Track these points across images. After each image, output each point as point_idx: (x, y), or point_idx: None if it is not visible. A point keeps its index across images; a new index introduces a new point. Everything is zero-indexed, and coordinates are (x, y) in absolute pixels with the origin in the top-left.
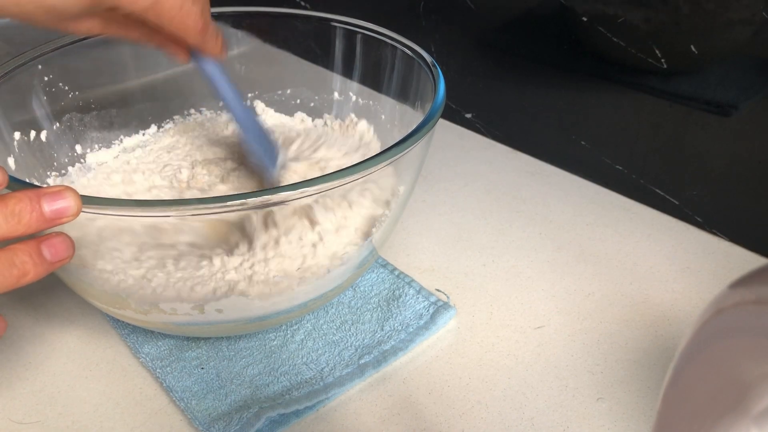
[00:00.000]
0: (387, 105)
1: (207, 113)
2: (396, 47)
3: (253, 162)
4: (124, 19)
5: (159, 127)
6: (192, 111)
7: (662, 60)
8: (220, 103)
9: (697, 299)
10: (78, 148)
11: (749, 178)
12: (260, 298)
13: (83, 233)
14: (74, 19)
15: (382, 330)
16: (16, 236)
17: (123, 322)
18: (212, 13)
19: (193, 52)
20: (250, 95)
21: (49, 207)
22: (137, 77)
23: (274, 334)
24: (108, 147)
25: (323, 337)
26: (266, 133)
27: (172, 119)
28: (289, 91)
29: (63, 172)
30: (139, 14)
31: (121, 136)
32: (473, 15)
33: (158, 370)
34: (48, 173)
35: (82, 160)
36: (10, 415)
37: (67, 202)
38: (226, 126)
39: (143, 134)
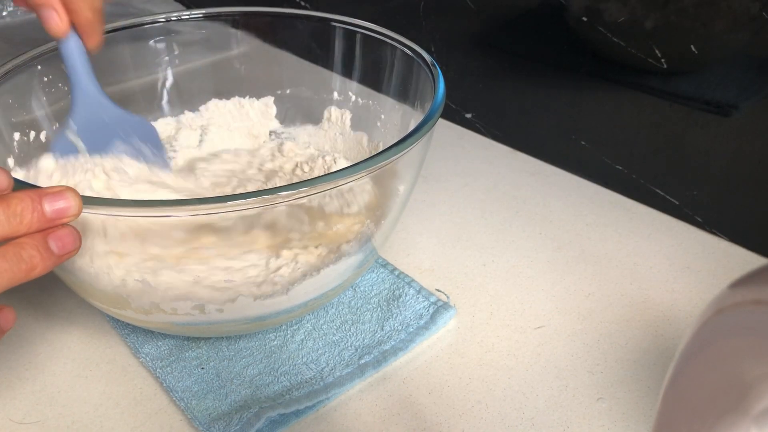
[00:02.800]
0: (387, 105)
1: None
2: (396, 47)
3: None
4: None
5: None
6: (188, 111)
7: (662, 60)
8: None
9: (697, 299)
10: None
11: (749, 178)
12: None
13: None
14: None
15: (382, 330)
16: (18, 236)
17: (123, 322)
18: (212, 13)
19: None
20: (250, 95)
21: (50, 207)
22: (137, 77)
23: (274, 334)
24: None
25: (323, 337)
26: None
27: (175, 119)
28: (288, 91)
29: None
30: None
31: None
32: (473, 15)
33: (158, 370)
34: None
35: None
36: (10, 415)
37: (68, 202)
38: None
39: None
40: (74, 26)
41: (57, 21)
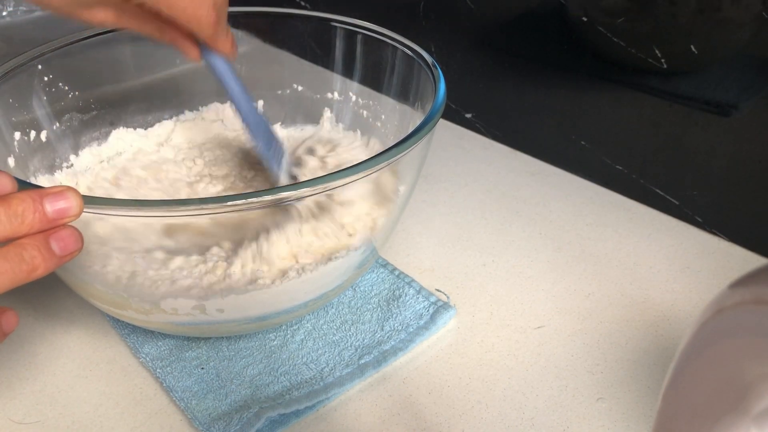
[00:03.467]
0: (387, 105)
1: (206, 113)
2: (396, 47)
3: (263, 162)
4: (137, 10)
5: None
6: (188, 111)
7: (662, 60)
8: (228, 103)
9: (697, 299)
10: (78, 148)
11: (749, 178)
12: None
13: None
14: (89, 7)
15: (382, 330)
16: (19, 236)
17: (123, 322)
18: None
19: (203, 49)
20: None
21: (51, 207)
22: (137, 77)
23: (274, 334)
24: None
25: (323, 337)
26: (273, 135)
27: (174, 118)
28: (288, 91)
29: (63, 171)
30: (152, 5)
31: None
32: (473, 15)
33: (158, 370)
34: (48, 173)
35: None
36: (10, 415)
37: (69, 203)
38: (225, 127)
39: (143, 134)
40: (205, 44)
41: (185, 52)
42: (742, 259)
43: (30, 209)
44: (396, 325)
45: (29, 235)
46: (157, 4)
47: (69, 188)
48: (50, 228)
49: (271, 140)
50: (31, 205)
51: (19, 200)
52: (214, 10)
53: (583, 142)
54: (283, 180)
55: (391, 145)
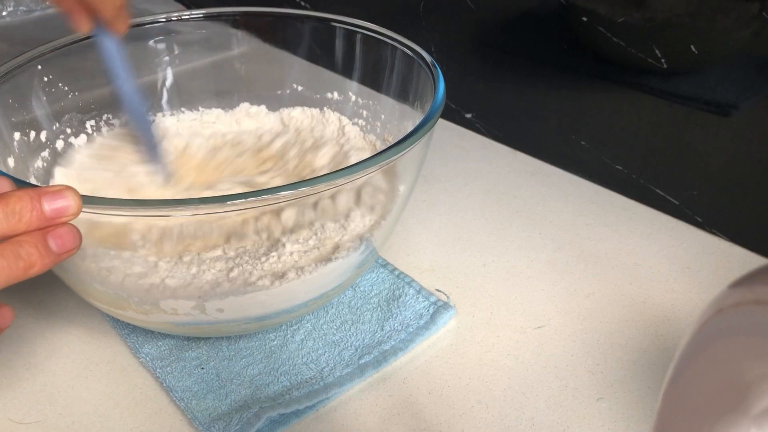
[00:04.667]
0: (387, 105)
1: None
2: (396, 47)
3: (141, 149)
4: None
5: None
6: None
7: (662, 60)
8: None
9: (697, 299)
10: (77, 147)
11: (749, 178)
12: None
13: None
14: None
15: (382, 330)
16: (17, 234)
17: (123, 322)
18: (212, 13)
19: (98, 28)
20: (249, 96)
21: (49, 206)
22: (137, 77)
23: (274, 334)
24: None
25: (323, 337)
26: (151, 125)
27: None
28: (288, 91)
29: (63, 172)
30: None
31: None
32: (473, 15)
33: (158, 370)
34: (48, 173)
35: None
36: (10, 415)
37: (67, 202)
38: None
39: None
40: (102, 22)
41: (77, 23)
42: (742, 259)
43: (28, 207)
44: (396, 325)
45: (27, 232)
46: None
47: (67, 187)
48: (48, 226)
49: (149, 130)
50: (29, 203)
51: (17, 198)
52: None
53: (583, 142)
54: (161, 175)
55: (390, 145)
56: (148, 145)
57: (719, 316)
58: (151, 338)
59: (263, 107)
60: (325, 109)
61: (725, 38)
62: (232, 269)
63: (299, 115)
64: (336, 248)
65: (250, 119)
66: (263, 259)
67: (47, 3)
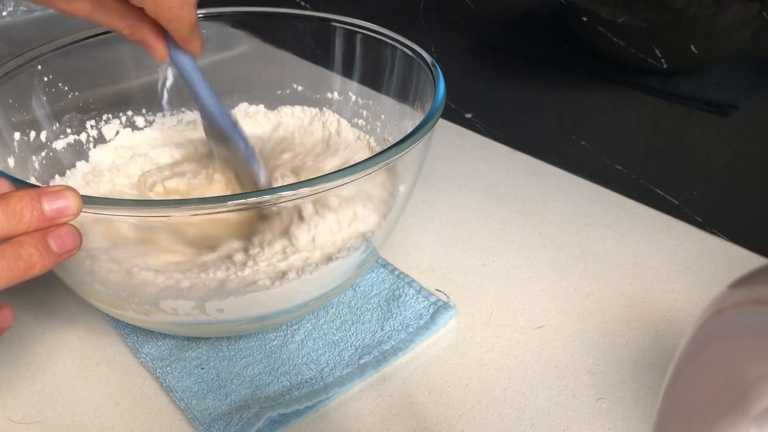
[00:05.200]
0: (387, 105)
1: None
2: (396, 47)
3: (238, 159)
4: (114, 5)
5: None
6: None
7: (662, 60)
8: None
9: (697, 299)
10: (78, 147)
11: (749, 178)
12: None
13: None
14: None
15: (382, 330)
16: (17, 235)
17: (123, 322)
18: (212, 13)
19: (173, 50)
20: (249, 95)
21: (49, 206)
22: (137, 77)
23: (274, 334)
24: (107, 146)
25: (323, 337)
26: (244, 134)
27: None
28: (288, 91)
29: (63, 171)
30: (137, 2)
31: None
32: (473, 15)
33: (158, 370)
34: (48, 173)
35: (82, 160)
36: (10, 415)
37: (67, 202)
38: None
39: (143, 134)
40: (175, 42)
41: (154, 52)
42: (742, 259)
43: (28, 207)
44: (396, 325)
45: (27, 233)
46: (141, 2)
47: (68, 187)
48: (49, 226)
49: (245, 140)
50: (29, 204)
51: (17, 198)
52: (194, 12)
53: (583, 142)
54: (263, 177)
55: (390, 145)
56: (244, 153)
57: (719, 316)
58: (151, 338)
59: (261, 106)
60: (324, 109)
61: (725, 38)
62: (230, 270)
63: (297, 114)
64: (336, 248)
65: (248, 120)
66: (263, 259)
67: (120, 35)
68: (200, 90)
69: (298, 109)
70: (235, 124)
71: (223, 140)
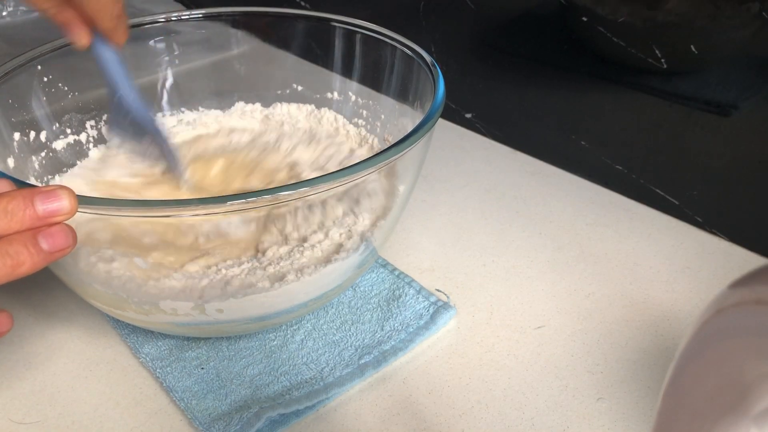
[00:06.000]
0: (387, 105)
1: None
2: (396, 47)
3: (154, 153)
4: None
5: None
6: (187, 110)
7: (662, 60)
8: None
9: (697, 299)
10: (78, 147)
11: (749, 178)
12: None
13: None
14: None
15: (382, 330)
16: (9, 234)
17: (123, 322)
18: (212, 13)
19: (96, 39)
20: (249, 95)
21: (42, 206)
22: (137, 77)
23: (274, 334)
24: (107, 146)
25: (323, 337)
26: (162, 127)
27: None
28: (288, 91)
29: (63, 171)
30: None
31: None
32: (473, 15)
33: (158, 370)
34: (48, 173)
35: (82, 160)
36: (10, 415)
37: (61, 202)
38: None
39: None
40: (100, 32)
41: (76, 36)
42: (742, 259)
43: (20, 206)
44: (396, 325)
45: (19, 232)
46: None
47: (62, 187)
48: (42, 225)
49: (164, 134)
50: (22, 203)
51: (10, 198)
52: (121, 3)
53: (583, 142)
54: (180, 170)
55: (390, 145)
56: (164, 153)
57: (719, 316)
58: (151, 338)
59: (258, 105)
60: (323, 109)
61: (725, 38)
62: (231, 271)
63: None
64: (336, 249)
65: (242, 118)
66: (262, 260)
67: (44, 16)
68: (119, 82)
69: (293, 106)
70: (153, 119)
71: (142, 135)
